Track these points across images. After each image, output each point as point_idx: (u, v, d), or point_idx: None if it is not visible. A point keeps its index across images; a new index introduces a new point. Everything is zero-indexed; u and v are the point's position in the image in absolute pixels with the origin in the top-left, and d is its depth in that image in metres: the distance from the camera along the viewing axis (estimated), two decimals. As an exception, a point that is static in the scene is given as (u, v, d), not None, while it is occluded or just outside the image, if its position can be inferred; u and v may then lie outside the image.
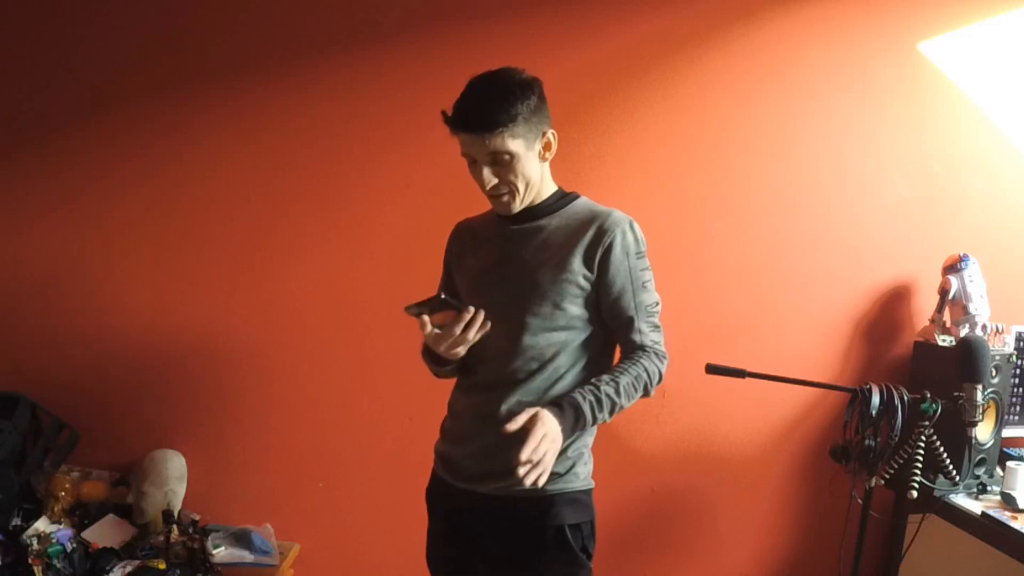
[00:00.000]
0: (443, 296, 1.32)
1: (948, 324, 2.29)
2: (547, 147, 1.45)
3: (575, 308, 1.44)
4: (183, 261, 2.25)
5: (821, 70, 2.32)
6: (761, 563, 2.50)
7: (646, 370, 1.42)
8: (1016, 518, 1.98)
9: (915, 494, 1.74)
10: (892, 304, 2.43)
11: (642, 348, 1.45)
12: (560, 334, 1.44)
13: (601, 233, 1.43)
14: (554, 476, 1.42)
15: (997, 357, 2.14)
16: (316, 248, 2.25)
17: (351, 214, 2.25)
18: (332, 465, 2.33)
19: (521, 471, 1.24)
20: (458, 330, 1.34)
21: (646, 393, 1.43)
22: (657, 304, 1.48)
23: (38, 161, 2.21)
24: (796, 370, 1.84)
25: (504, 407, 1.43)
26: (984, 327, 2.24)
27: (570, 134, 2.22)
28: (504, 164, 1.39)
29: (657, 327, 1.48)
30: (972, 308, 2.21)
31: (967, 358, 1.73)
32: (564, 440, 1.33)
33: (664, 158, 2.31)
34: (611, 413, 1.38)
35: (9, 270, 2.25)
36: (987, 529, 2.00)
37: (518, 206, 1.46)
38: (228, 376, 2.28)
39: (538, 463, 1.26)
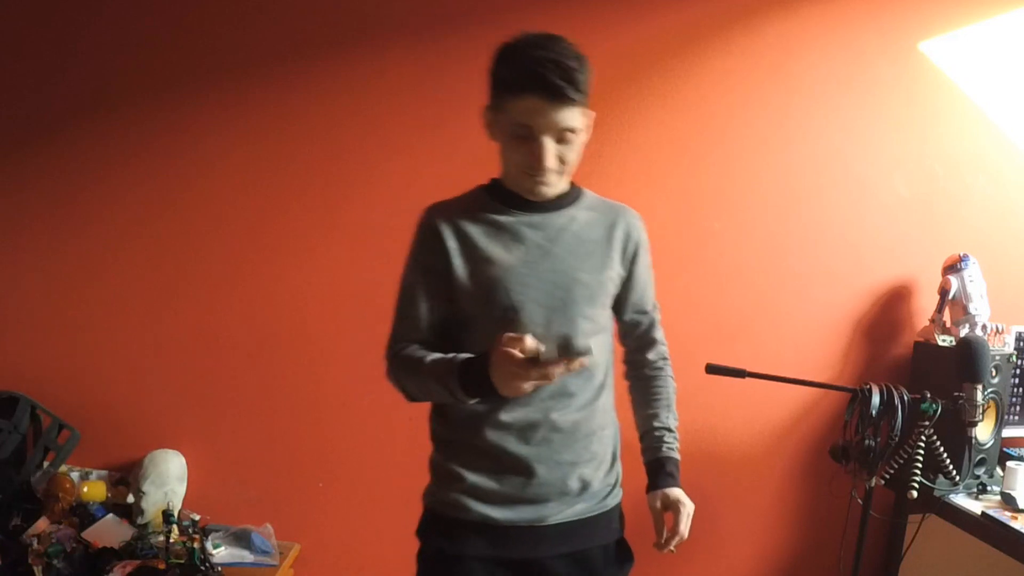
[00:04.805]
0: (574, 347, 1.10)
1: (948, 324, 2.29)
2: (588, 128, 1.30)
3: (608, 308, 1.39)
4: (183, 260, 2.24)
5: (821, 70, 2.32)
6: (761, 563, 2.50)
7: (671, 378, 1.50)
8: (1016, 518, 1.98)
9: (915, 494, 1.74)
10: (892, 304, 2.43)
11: (661, 356, 1.49)
12: (601, 336, 1.35)
13: (630, 229, 1.39)
14: (610, 488, 1.43)
15: (997, 357, 2.14)
16: (316, 248, 2.25)
17: (351, 213, 2.25)
18: (332, 465, 2.32)
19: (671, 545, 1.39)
20: (557, 372, 1.11)
21: None
22: None
23: (38, 161, 2.21)
24: (796, 370, 1.84)
25: (558, 417, 1.31)
26: (984, 327, 2.24)
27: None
28: (567, 141, 1.24)
29: None
30: (972, 308, 2.22)
31: (967, 358, 1.73)
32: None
33: (664, 158, 2.30)
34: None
35: (9, 270, 2.25)
36: (987, 529, 2.00)
37: (553, 192, 1.31)
38: (228, 376, 2.28)
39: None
